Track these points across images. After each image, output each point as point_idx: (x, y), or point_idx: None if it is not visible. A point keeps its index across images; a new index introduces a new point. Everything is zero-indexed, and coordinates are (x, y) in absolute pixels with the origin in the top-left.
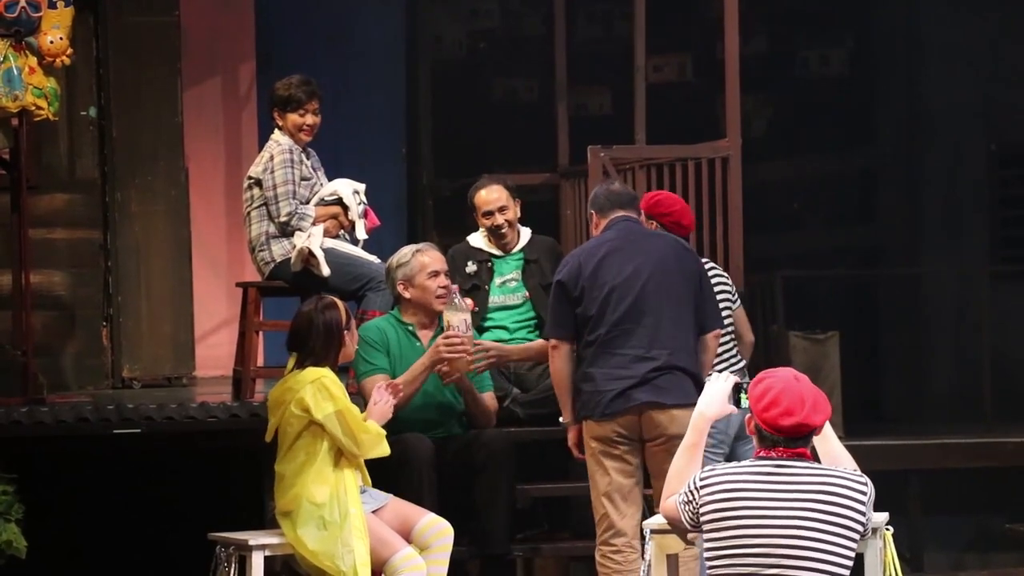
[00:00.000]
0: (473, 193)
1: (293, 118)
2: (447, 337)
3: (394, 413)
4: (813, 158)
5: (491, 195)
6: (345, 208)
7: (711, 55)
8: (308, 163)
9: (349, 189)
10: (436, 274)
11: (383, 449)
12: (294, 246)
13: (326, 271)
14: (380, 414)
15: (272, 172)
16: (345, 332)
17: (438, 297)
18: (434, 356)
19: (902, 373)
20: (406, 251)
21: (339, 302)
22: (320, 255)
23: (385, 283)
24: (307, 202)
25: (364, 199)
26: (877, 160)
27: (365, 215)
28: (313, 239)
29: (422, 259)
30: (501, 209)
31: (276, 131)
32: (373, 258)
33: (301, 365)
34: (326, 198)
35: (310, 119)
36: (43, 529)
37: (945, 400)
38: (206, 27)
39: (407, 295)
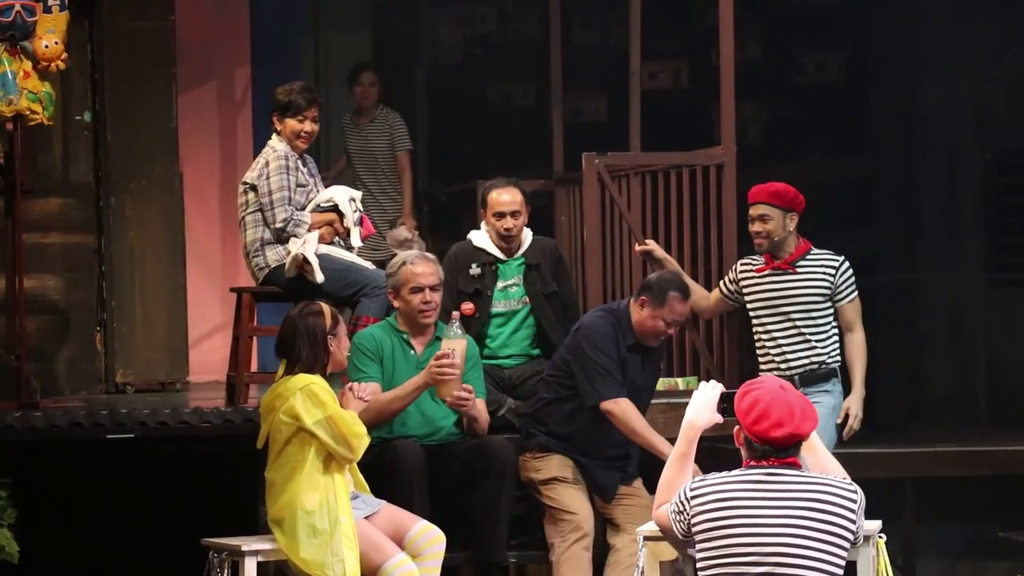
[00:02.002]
0: (488, 190)
1: (292, 124)
2: (439, 358)
3: (381, 424)
4: (809, 164)
5: (508, 197)
6: (341, 215)
7: (707, 61)
8: (305, 169)
9: (345, 196)
10: (420, 290)
11: (367, 440)
12: (288, 252)
13: (320, 278)
14: (356, 405)
15: (267, 178)
16: (330, 338)
17: (420, 312)
18: (427, 378)
19: (897, 380)
20: (398, 260)
21: (326, 308)
22: (315, 261)
23: (379, 289)
24: (303, 208)
25: (360, 207)
26: (873, 166)
27: (360, 222)
28: (308, 245)
29: (407, 272)
30: (514, 214)
31: (274, 137)
32: (368, 264)
33: (291, 371)
34: (322, 204)
35: (308, 126)
36: (36, 534)
37: (940, 407)
38: (201, 32)
39: (396, 304)
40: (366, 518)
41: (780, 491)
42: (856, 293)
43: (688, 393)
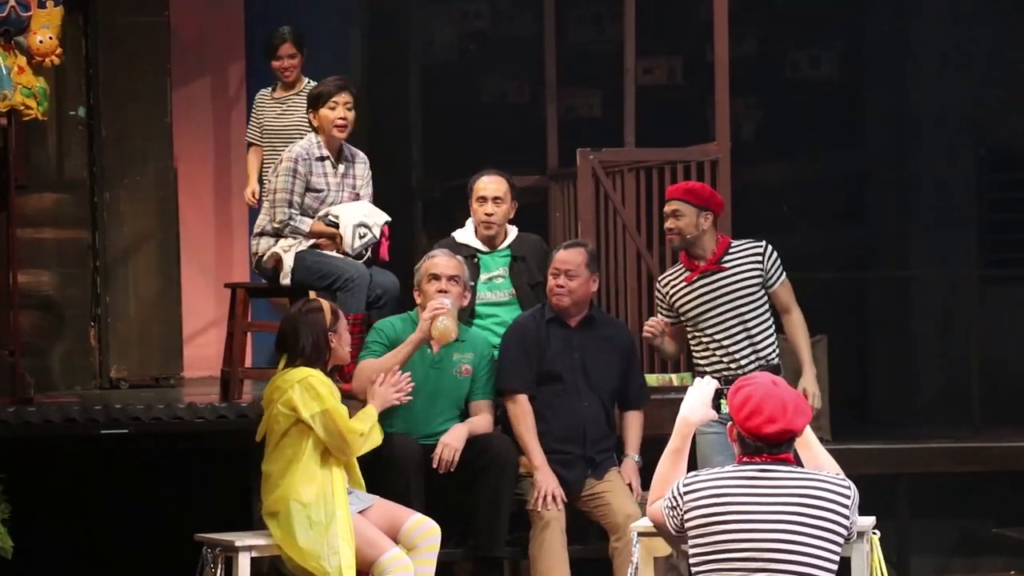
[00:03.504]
0: (474, 179)
1: (324, 113)
2: (432, 307)
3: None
4: (802, 161)
5: (491, 183)
6: (340, 237)
7: (701, 58)
8: (335, 171)
9: (353, 220)
10: (436, 278)
11: (374, 441)
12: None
13: (286, 281)
14: (381, 398)
15: (277, 175)
16: (331, 334)
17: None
18: (422, 332)
19: (890, 377)
20: (424, 257)
21: (325, 304)
22: (287, 266)
23: (352, 281)
24: (314, 213)
25: (375, 233)
26: (867, 163)
27: (375, 247)
28: (294, 249)
29: (427, 263)
30: (496, 199)
31: (309, 135)
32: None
33: (291, 364)
34: (330, 218)
35: (341, 111)
36: (30, 530)
37: (933, 404)
38: (196, 27)
39: (418, 300)
40: (360, 513)
41: (773, 487)
42: (785, 274)
43: (682, 389)
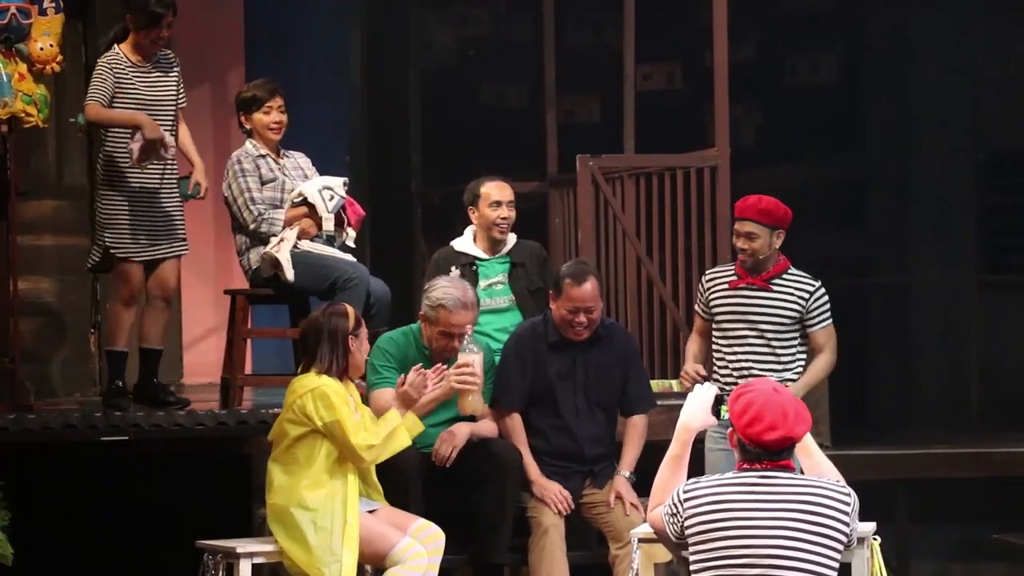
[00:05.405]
0: (479, 184)
1: (259, 117)
2: (459, 368)
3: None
4: (802, 166)
5: (500, 189)
6: (312, 207)
7: (700, 63)
8: (279, 165)
9: (314, 187)
10: (449, 336)
11: (393, 448)
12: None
13: (290, 276)
14: (404, 398)
15: (230, 186)
16: (351, 339)
17: (445, 352)
18: (446, 389)
19: (890, 382)
20: (438, 297)
21: (349, 309)
22: (285, 260)
23: (351, 280)
24: (280, 204)
25: (341, 193)
26: (866, 168)
27: (345, 208)
28: (284, 243)
29: (443, 317)
30: (509, 203)
31: (245, 143)
32: (347, 257)
33: (308, 369)
34: (294, 200)
35: (275, 115)
36: (29, 536)
37: (933, 409)
38: (195, 35)
39: (425, 331)
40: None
41: (773, 494)
42: (830, 321)
43: (683, 395)
